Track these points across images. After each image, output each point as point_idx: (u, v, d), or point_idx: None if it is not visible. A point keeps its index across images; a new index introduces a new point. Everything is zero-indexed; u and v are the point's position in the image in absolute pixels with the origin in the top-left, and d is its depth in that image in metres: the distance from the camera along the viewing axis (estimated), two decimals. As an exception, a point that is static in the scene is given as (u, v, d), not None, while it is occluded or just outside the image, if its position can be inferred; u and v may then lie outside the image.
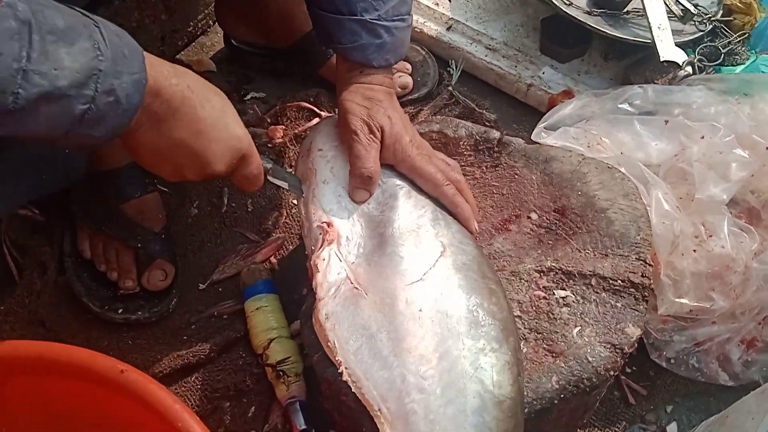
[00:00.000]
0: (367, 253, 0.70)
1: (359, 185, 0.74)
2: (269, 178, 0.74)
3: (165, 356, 0.88)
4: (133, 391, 0.68)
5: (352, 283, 0.68)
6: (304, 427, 0.80)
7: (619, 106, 0.90)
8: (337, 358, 0.64)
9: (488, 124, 1.05)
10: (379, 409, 0.62)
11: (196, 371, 0.88)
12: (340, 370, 0.64)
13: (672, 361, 0.85)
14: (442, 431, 0.60)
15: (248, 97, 1.14)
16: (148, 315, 0.91)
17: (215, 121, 0.64)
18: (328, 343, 0.65)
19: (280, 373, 0.83)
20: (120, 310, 0.90)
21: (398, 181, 0.75)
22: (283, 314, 0.89)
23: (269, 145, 1.06)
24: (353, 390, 0.63)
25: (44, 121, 0.53)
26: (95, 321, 0.91)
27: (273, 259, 0.98)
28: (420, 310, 0.65)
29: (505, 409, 0.62)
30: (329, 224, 0.72)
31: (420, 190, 0.76)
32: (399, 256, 0.69)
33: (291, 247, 0.99)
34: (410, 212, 0.72)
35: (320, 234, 0.71)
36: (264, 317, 0.88)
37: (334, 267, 0.69)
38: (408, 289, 0.67)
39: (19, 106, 0.50)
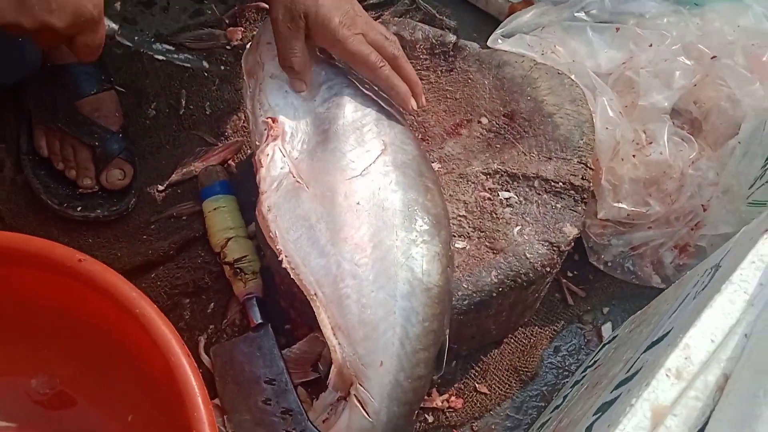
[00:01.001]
0: (311, 149, 0.72)
1: (290, 76, 0.74)
2: (118, 38, 0.76)
3: (125, 254, 0.90)
4: (91, 280, 0.70)
5: (294, 177, 0.69)
6: (260, 321, 0.83)
7: (576, 14, 0.91)
8: (277, 247, 0.67)
9: (448, 31, 1.05)
10: (315, 294, 0.65)
11: (156, 269, 0.90)
12: (280, 258, 0.66)
13: (609, 264, 0.90)
14: (372, 314, 0.64)
15: (207, -3, 1.11)
16: (107, 213, 0.92)
17: None
18: (270, 234, 0.67)
19: (238, 270, 0.86)
20: (79, 208, 0.91)
21: (345, 79, 0.75)
22: (241, 215, 0.91)
23: (227, 47, 1.05)
24: (292, 276, 0.66)
25: None
26: (55, 219, 0.92)
27: (231, 162, 0.99)
28: (358, 203, 0.68)
29: (432, 295, 0.66)
30: (274, 120, 0.73)
31: (367, 88, 0.76)
32: (341, 152, 0.70)
33: (249, 150, 0.99)
34: (355, 110, 0.73)
35: (265, 129, 0.72)
36: (221, 217, 0.89)
37: (277, 162, 0.70)
38: (347, 183, 0.69)
39: None
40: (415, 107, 0.76)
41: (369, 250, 0.66)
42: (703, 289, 0.50)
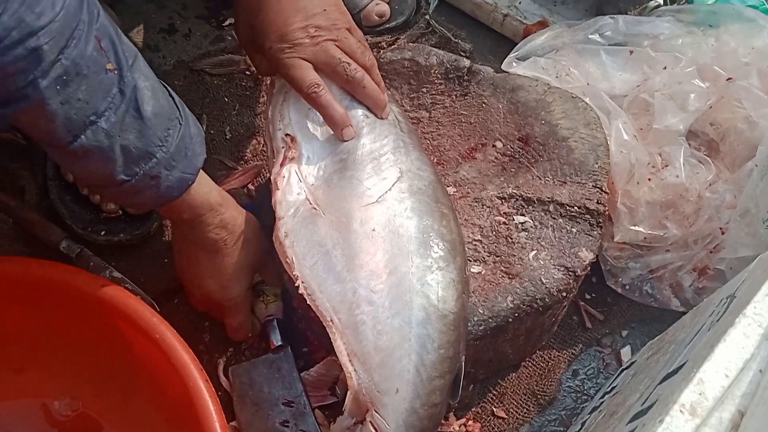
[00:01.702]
0: (327, 176, 0.72)
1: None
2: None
3: (148, 280, 0.90)
4: (113, 306, 0.72)
5: (310, 203, 0.70)
6: (280, 343, 0.84)
7: (590, 36, 0.91)
8: (294, 273, 0.68)
9: (464, 54, 1.06)
10: (331, 320, 0.66)
11: (178, 294, 0.90)
12: (296, 284, 0.67)
13: (627, 287, 0.89)
14: (388, 341, 0.65)
15: (227, 23, 1.13)
16: (130, 237, 0.93)
17: (217, 275, 0.76)
18: (287, 259, 0.68)
19: (260, 292, 0.87)
20: (102, 232, 0.92)
21: (365, 111, 0.75)
22: None
23: (247, 72, 1.07)
24: (308, 302, 0.67)
25: (89, 170, 0.60)
26: (80, 243, 0.94)
27: (251, 186, 1.00)
28: (373, 230, 0.68)
29: (447, 322, 0.66)
30: (293, 139, 0.73)
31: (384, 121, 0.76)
32: (357, 180, 0.71)
33: (268, 174, 1.00)
34: (374, 141, 0.74)
35: (283, 147, 0.73)
36: (244, 240, 0.90)
37: (293, 187, 0.71)
38: (363, 210, 0.69)
39: (73, 148, 0.56)
40: (349, 136, 0.73)
41: (384, 277, 0.67)
42: (718, 320, 0.50)
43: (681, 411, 0.42)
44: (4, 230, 0.92)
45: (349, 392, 0.66)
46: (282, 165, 0.73)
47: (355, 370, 0.65)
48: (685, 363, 0.49)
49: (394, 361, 0.65)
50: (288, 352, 0.82)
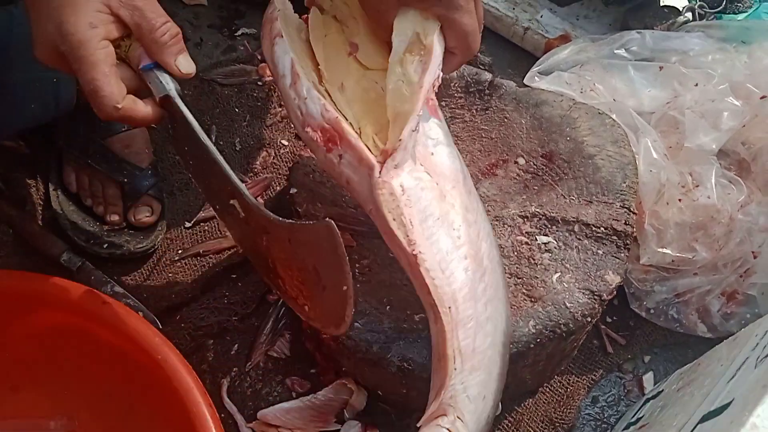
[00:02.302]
0: (437, 151, 0.63)
1: None
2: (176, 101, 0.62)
3: (151, 295, 0.88)
4: (114, 324, 0.70)
5: (426, 171, 0.61)
6: (166, 93, 0.61)
7: (616, 51, 0.88)
8: (410, 237, 0.57)
9: (483, 67, 1.03)
10: (449, 307, 0.58)
11: (181, 310, 0.88)
12: (411, 249, 0.57)
13: (652, 311, 0.86)
14: (479, 345, 0.60)
15: (239, 33, 1.12)
16: (133, 251, 0.90)
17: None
18: (403, 217, 0.57)
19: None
20: (105, 245, 0.90)
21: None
22: None
23: (259, 82, 1.05)
24: (424, 278, 0.57)
25: None
26: (82, 255, 0.91)
27: (260, 199, 0.98)
28: (487, 232, 0.66)
29: (507, 344, 0.66)
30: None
31: None
32: (461, 163, 0.65)
33: (278, 187, 0.98)
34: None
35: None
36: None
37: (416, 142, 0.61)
38: (470, 198, 0.63)
39: None
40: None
41: (488, 277, 0.63)
42: (766, 357, 0.46)
43: (734, 458, 0.38)
44: (4, 241, 0.90)
45: (445, 392, 0.59)
46: (428, 104, 0.61)
47: (455, 368, 0.58)
48: (731, 402, 0.45)
49: (490, 368, 0.62)
50: (173, 103, 0.62)
